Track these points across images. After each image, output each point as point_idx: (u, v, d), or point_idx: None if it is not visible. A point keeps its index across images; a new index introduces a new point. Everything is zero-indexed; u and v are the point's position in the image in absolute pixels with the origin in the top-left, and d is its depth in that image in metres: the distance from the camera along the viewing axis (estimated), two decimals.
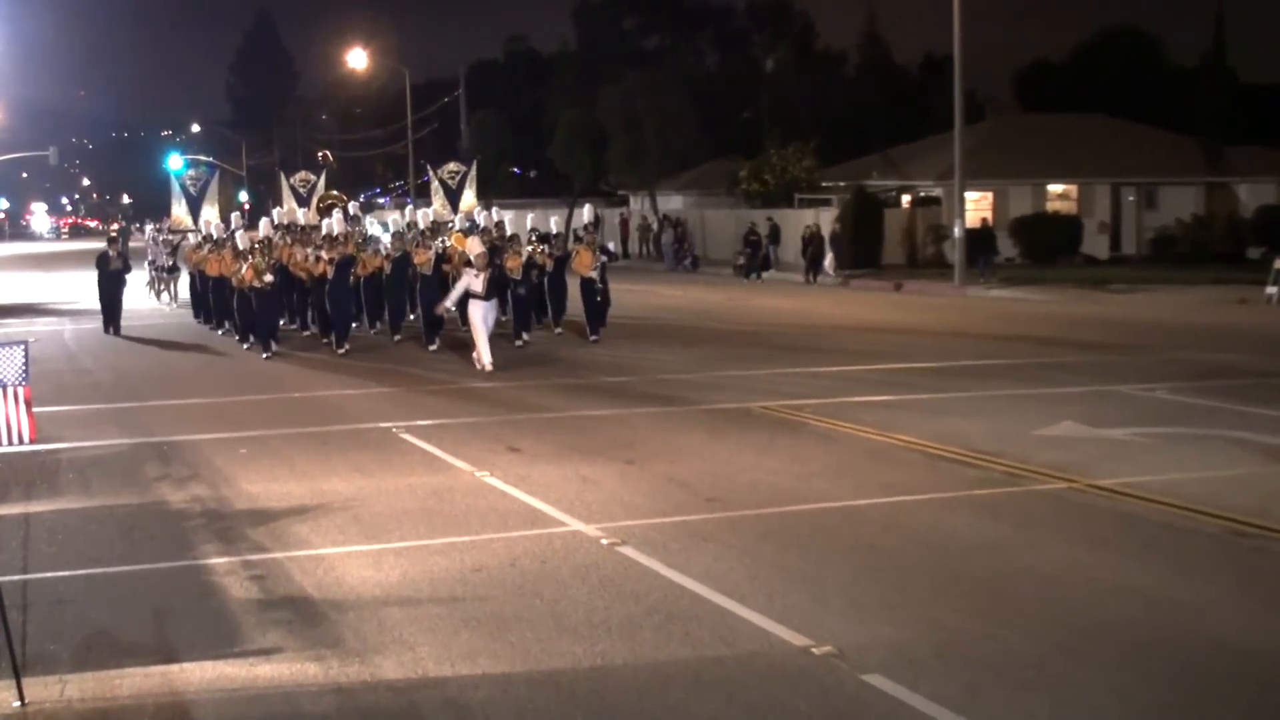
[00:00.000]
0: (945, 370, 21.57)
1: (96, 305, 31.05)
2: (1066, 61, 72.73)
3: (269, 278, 24.42)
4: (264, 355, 24.18)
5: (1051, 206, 52.10)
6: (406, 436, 16.07)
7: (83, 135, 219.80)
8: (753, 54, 78.87)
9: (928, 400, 18.35)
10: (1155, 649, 8.41)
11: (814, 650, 8.34)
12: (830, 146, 60.88)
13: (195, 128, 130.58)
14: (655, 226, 62.32)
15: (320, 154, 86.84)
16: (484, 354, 21.75)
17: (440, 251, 26.02)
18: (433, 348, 24.63)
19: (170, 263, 37.68)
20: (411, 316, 27.53)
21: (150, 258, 39.79)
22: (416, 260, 26.11)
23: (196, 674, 8.19)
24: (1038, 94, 67.84)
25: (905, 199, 54.09)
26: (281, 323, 27.26)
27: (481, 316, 21.85)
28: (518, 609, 9.27)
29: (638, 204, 69.75)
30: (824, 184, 57.13)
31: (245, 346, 25.64)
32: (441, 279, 25.65)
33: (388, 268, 26.60)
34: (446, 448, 15.19)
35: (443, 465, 14.35)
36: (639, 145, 62.14)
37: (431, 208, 32.71)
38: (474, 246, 22.80)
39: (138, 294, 36.24)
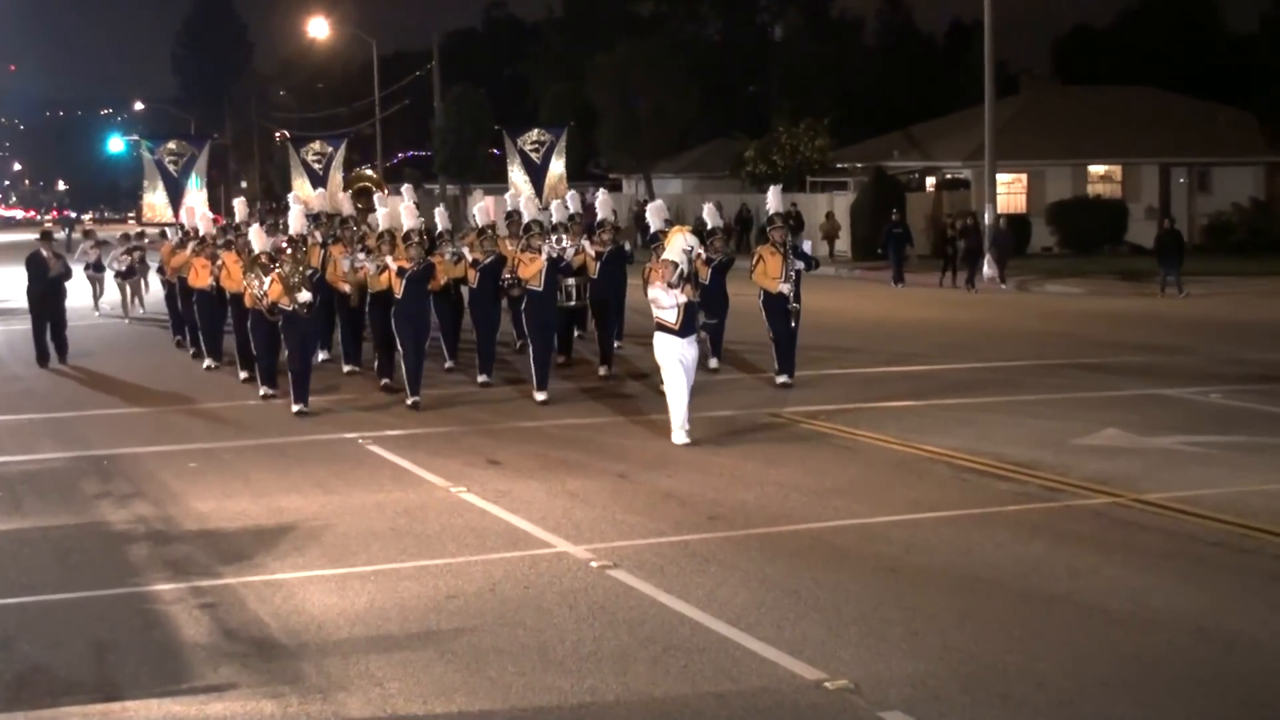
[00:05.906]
0: (975, 373, 21.58)
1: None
2: (1110, 28, 72.93)
3: (305, 296, 18.51)
4: (295, 409, 18.63)
5: (1093, 190, 52.19)
6: (374, 449, 16.09)
7: (12, 115, 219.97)
8: (759, 21, 79.15)
9: (955, 406, 18.35)
10: (1210, 684, 8.42)
11: (828, 685, 8.36)
12: (846, 124, 60.93)
13: (139, 105, 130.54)
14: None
15: (277, 134, 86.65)
16: (677, 415, 16.07)
17: (555, 256, 19.86)
18: (483, 379, 20.68)
19: (121, 267, 33.66)
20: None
21: (83, 260, 35.04)
22: (521, 272, 19.63)
23: (141, 713, 8.20)
24: (1078, 64, 67.93)
25: (929, 182, 54.15)
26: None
27: (679, 358, 15.91)
28: (498, 640, 9.28)
29: (631, 188, 69.83)
30: (839, 165, 57.20)
31: (264, 394, 19.94)
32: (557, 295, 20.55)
33: (473, 278, 21.08)
34: (419, 461, 15.21)
35: (414, 480, 14.36)
36: (632, 123, 62.14)
37: (511, 194, 27.47)
38: (670, 249, 16.33)
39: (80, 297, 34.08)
